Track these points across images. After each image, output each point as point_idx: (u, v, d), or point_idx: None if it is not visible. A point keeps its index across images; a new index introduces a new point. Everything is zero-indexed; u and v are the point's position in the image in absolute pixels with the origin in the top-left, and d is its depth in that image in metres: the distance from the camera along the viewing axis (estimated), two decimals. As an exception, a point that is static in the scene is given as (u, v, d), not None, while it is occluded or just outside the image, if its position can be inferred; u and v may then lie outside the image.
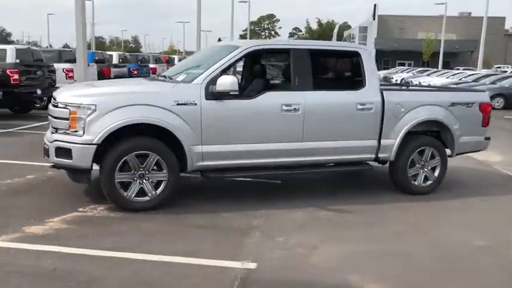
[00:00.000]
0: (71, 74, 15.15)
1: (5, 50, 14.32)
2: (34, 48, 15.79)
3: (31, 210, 4.98)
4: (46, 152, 5.17)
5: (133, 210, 5.05)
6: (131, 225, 4.68)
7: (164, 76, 5.80)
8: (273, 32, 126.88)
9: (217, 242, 4.34)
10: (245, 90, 5.78)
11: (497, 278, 3.87)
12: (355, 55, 6.04)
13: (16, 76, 11.98)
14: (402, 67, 45.14)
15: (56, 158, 5.03)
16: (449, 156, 6.49)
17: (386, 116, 5.94)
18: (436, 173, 6.35)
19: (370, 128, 5.89)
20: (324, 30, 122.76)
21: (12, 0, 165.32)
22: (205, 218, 5.00)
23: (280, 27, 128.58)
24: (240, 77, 7.11)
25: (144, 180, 5.10)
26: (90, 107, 4.87)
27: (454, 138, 6.38)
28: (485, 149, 6.86)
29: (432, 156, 6.31)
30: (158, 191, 5.14)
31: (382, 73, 44.91)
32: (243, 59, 6.24)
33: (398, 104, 6.00)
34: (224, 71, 5.36)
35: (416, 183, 6.26)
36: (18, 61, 13.51)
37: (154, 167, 5.12)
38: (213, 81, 5.16)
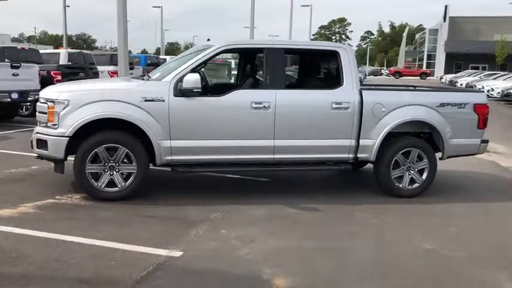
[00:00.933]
0: (115, 76, 16.08)
1: (58, 53, 15.59)
2: (85, 52, 16.95)
3: (14, 196, 5.45)
4: (31, 144, 5.64)
5: (104, 200, 5.37)
6: (92, 213, 5.00)
7: (148, 75, 6.09)
8: (343, 36, 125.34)
9: (160, 232, 4.53)
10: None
11: (417, 282, 3.74)
12: (333, 54, 6.00)
13: (59, 77, 13.01)
14: (470, 71, 42.90)
15: (36, 149, 5.49)
16: (440, 159, 6.26)
17: (365, 115, 5.84)
18: (424, 176, 6.14)
19: (347, 127, 5.83)
20: (397, 33, 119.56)
21: (99, 10, 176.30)
22: (166, 209, 5.22)
23: (352, 31, 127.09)
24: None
25: (114, 172, 5.41)
26: (64, 102, 5.27)
27: (444, 140, 6.13)
28: (482, 152, 6.52)
29: (420, 159, 6.11)
30: (127, 183, 5.43)
31: (449, 77, 43.03)
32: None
33: (379, 104, 5.88)
34: (194, 70, 5.55)
35: (401, 185, 6.09)
36: (70, 63, 14.67)
37: (125, 160, 5.42)
38: (182, 79, 5.38)
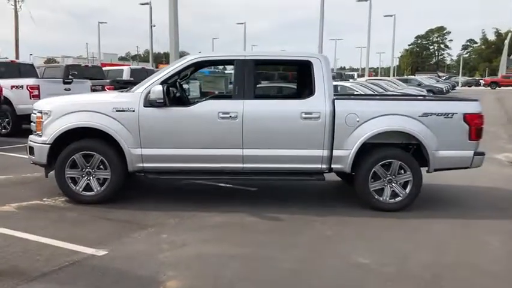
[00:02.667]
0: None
1: (122, 69, 16.84)
2: (148, 67, 18.11)
3: (7, 196, 6.08)
4: (26, 150, 6.29)
5: (81, 203, 5.82)
6: (61, 214, 5.45)
7: (132, 87, 6.48)
8: (442, 45, 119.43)
9: (106, 233, 4.83)
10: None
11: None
12: (306, 64, 5.96)
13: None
14: None
15: (29, 155, 6.09)
16: (426, 171, 5.91)
17: (338, 125, 5.72)
18: (408, 189, 5.84)
19: (318, 137, 5.74)
20: (502, 41, 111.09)
21: (187, 24, 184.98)
22: (129, 213, 5.52)
23: (451, 40, 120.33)
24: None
25: (91, 177, 5.84)
26: (47, 113, 5.82)
27: (429, 152, 5.79)
28: (478, 165, 6.02)
29: (403, 171, 5.83)
30: (103, 188, 5.83)
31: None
32: (190, 70, 6.61)
33: (352, 114, 5.72)
34: (165, 81, 5.84)
35: (381, 198, 5.84)
36: (132, 79, 15.79)
37: (101, 166, 5.83)
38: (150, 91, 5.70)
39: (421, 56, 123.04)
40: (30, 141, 6.04)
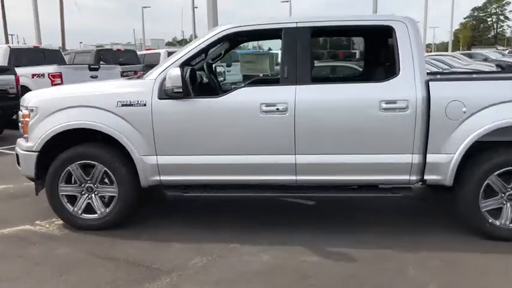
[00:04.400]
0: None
1: (158, 53, 15.51)
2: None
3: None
4: (17, 159, 4.86)
5: (82, 229, 4.36)
6: (47, 250, 3.99)
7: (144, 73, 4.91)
8: (501, 17, 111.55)
9: (98, 284, 3.32)
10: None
11: None
12: (386, 31, 4.17)
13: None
14: None
15: (17, 165, 4.67)
16: None
17: (435, 118, 3.93)
18: (538, 210, 4.00)
19: (405, 136, 3.98)
20: None
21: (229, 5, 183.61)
22: (141, 248, 3.99)
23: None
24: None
25: (93, 195, 4.35)
26: (33, 109, 4.35)
27: None
28: None
29: (531, 183, 3.99)
30: (108, 209, 4.34)
31: None
32: (220, 46, 4.93)
33: (456, 101, 3.91)
34: (187, 63, 4.23)
35: (498, 222, 4.03)
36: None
37: (105, 180, 4.33)
38: (167, 76, 4.09)
39: (478, 30, 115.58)
40: (18, 147, 4.60)
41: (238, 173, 4.16)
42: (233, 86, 5.77)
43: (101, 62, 12.98)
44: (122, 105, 4.13)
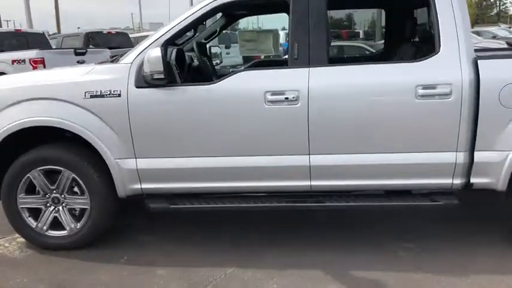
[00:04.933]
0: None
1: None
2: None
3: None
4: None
5: (48, 249, 3.57)
6: (1, 276, 3.19)
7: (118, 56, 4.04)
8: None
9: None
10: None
11: None
12: (421, -4, 3.31)
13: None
14: None
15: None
16: None
17: (486, 106, 3.09)
18: None
19: (448, 129, 3.15)
20: None
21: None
22: (119, 274, 3.19)
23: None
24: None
25: (60, 208, 3.54)
26: (-16, 104, 3.51)
27: None
28: None
29: None
30: (80, 224, 3.53)
31: None
32: (215, 23, 4.08)
33: (513, 85, 3.07)
34: (171, 42, 3.38)
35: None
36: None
37: (75, 189, 3.52)
38: (147, 59, 3.24)
39: (481, 7, 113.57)
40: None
41: (237, 179, 3.34)
42: (231, 70, 4.92)
43: (90, 46, 12.08)
44: (91, 96, 3.29)
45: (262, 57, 8.59)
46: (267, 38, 8.19)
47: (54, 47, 12.25)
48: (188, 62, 3.93)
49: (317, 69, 3.19)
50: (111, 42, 12.87)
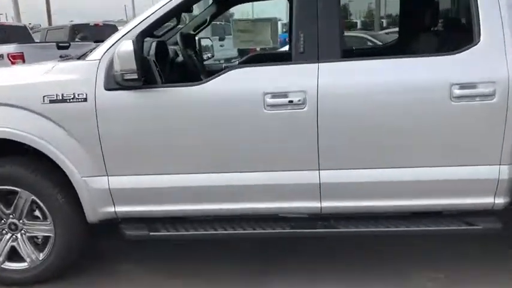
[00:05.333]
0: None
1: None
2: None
3: None
4: None
5: (5, 284, 2.97)
6: None
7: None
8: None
9: None
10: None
11: None
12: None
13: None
14: None
15: None
16: None
17: (538, 110, 2.49)
18: None
19: (489, 138, 2.55)
20: None
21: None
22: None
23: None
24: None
25: (18, 235, 2.94)
26: None
27: None
28: None
29: None
30: (43, 254, 2.93)
31: None
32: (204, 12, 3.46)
33: None
34: (148, 33, 2.77)
35: None
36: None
37: (36, 213, 2.91)
38: (119, 54, 2.62)
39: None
40: None
41: (231, 200, 2.75)
42: (224, 66, 4.32)
43: (76, 40, 11.41)
44: (51, 101, 2.68)
45: (258, 49, 7.88)
46: (265, 28, 7.30)
47: (38, 40, 11.56)
48: (172, 57, 3.32)
49: (328, 64, 2.59)
50: (98, 35, 12.14)
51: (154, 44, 2.91)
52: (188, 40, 3.72)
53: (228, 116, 2.63)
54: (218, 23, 12.64)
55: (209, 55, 4.86)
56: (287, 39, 5.52)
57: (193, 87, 2.68)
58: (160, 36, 3.37)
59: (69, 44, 9.23)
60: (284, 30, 14.72)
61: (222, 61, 10.43)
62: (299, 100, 2.55)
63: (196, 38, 4.28)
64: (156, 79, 2.71)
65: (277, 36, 7.67)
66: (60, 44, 9.08)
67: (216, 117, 2.63)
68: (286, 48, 5.10)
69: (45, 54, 8.60)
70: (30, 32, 11.11)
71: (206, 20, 4.13)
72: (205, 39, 4.64)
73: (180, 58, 3.39)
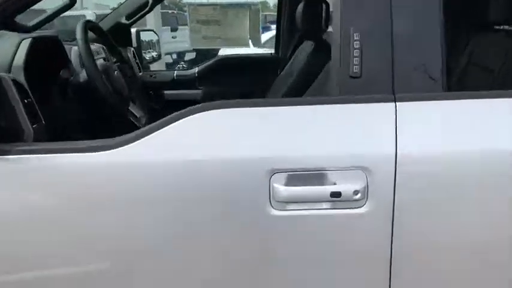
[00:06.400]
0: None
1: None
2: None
3: None
4: None
5: None
6: None
7: None
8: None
9: None
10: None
11: None
12: None
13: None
14: None
15: None
16: None
17: None
18: None
19: None
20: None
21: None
22: None
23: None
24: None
25: None
26: None
27: None
28: None
29: None
30: None
31: None
32: None
33: None
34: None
35: None
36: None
37: None
38: None
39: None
40: None
41: None
42: (175, 74, 2.80)
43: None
44: None
45: (228, 51, 5.31)
46: (239, 18, 4.65)
47: None
48: (76, 72, 1.73)
49: (419, 106, 1.10)
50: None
51: (27, 44, 1.35)
52: (121, 34, 2.16)
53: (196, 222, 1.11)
54: (170, 11, 10.83)
55: (154, 55, 3.35)
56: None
57: (105, 152, 1.12)
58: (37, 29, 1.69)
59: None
60: (267, 22, 11.09)
61: (174, 55, 8.86)
62: (355, 192, 1.06)
63: (133, 30, 2.75)
64: (20, 125, 1.16)
65: (259, 31, 5.15)
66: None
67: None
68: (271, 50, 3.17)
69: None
70: None
71: (147, 2, 2.59)
72: (146, 32, 3.10)
73: (84, 75, 1.69)
